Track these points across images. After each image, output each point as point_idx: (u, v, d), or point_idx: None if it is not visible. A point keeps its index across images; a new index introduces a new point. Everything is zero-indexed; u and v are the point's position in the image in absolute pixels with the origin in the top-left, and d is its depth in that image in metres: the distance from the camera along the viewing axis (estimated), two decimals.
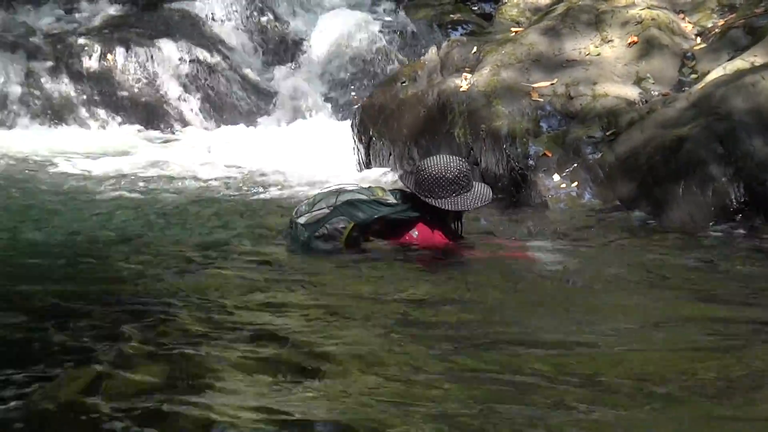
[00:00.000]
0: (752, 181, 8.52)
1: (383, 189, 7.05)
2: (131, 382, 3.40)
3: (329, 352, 3.90)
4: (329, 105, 16.20)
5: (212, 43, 16.89)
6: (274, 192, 10.66)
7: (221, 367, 3.64)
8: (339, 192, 6.87)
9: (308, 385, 3.46)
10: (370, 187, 7.09)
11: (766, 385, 3.64)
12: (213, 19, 17.33)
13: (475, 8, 17.22)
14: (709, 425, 3.17)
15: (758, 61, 9.62)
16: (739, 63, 9.72)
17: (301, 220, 6.83)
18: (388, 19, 17.46)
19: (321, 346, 3.99)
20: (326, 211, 6.76)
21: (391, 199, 6.87)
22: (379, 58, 16.61)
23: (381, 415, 3.11)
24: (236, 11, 17.47)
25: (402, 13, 17.54)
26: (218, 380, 3.48)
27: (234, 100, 16.19)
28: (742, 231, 8.21)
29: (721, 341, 4.39)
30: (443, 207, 6.93)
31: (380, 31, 16.93)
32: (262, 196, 10.38)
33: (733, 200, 8.51)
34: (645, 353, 4.20)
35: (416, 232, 6.89)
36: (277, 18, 17.81)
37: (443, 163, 7.02)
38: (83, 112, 15.71)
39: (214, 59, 16.51)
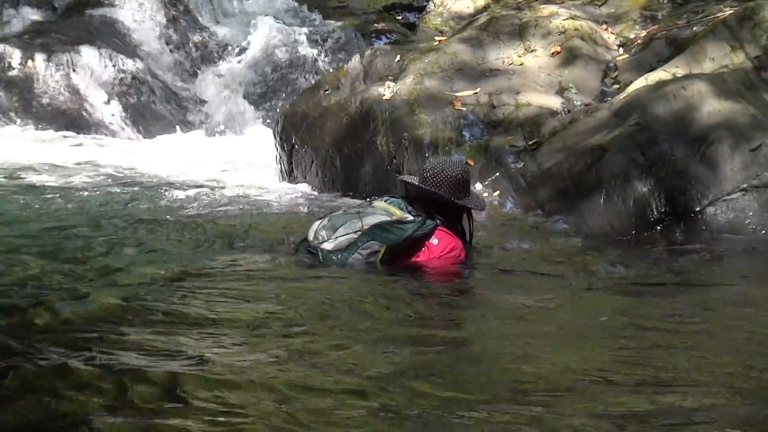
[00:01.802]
0: (673, 190, 8.56)
1: (389, 203, 6.86)
2: None
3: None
4: (254, 113, 16.10)
5: (134, 50, 16.70)
6: (197, 200, 10.50)
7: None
8: (360, 214, 6.70)
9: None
10: (374, 203, 6.91)
11: (674, 389, 3.61)
12: (135, 26, 17.12)
13: (399, 17, 17.23)
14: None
15: (680, 72, 9.68)
16: (661, 74, 9.77)
17: (327, 246, 6.60)
18: (312, 27, 17.40)
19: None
20: (354, 236, 6.57)
21: (408, 215, 6.71)
22: (304, 66, 16.55)
23: None
24: (158, 18, 17.29)
25: (327, 22, 17.49)
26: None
27: (157, 108, 16.01)
28: (662, 240, 8.23)
29: (632, 349, 4.36)
30: (469, 206, 7.03)
31: (305, 39, 16.86)
32: (184, 204, 10.19)
33: (654, 210, 8.54)
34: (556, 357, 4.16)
35: (436, 240, 6.75)
36: (200, 26, 17.67)
37: (457, 163, 7.18)
38: (2, 119, 15.43)
39: (137, 66, 16.31)
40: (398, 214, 6.70)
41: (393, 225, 6.63)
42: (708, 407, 3.35)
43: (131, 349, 3.92)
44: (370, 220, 6.61)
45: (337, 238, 6.61)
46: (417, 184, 6.93)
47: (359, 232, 6.57)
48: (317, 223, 6.82)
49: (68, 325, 4.45)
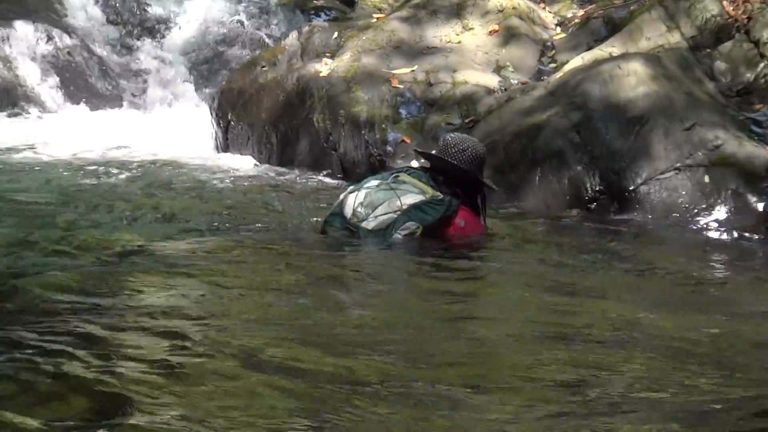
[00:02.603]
0: (607, 169, 8.60)
1: (416, 177, 6.73)
2: None
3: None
4: (192, 88, 15.96)
5: (71, 24, 16.47)
6: (133, 174, 10.37)
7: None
8: (396, 191, 6.55)
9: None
10: (400, 176, 6.74)
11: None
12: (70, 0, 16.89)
13: None
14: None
15: (616, 51, 9.71)
16: (598, 53, 9.80)
17: (368, 225, 6.49)
18: (251, 3, 17.25)
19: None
20: (393, 215, 6.47)
21: (438, 194, 6.62)
22: (242, 42, 16.42)
23: None
24: None
25: None
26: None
27: (94, 83, 15.80)
28: (596, 219, 8.27)
29: (557, 334, 4.36)
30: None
31: (243, 15, 16.74)
32: (120, 177, 10.06)
33: (589, 188, 8.58)
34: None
35: (462, 222, 6.72)
36: (137, 1, 17.47)
37: (478, 141, 7.27)
38: None
39: (73, 41, 16.07)
40: (430, 192, 6.61)
41: (429, 205, 6.56)
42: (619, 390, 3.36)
43: (64, 334, 3.84)
44: (408, 200, 6.51)
45: (377, 217, 6.50)
46: (447, 159, 6.84)
47: (398, 212, 6.49)
48: (351, 197, 6.65)
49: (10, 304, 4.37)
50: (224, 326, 4.05)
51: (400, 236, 6.46)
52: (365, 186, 6.69)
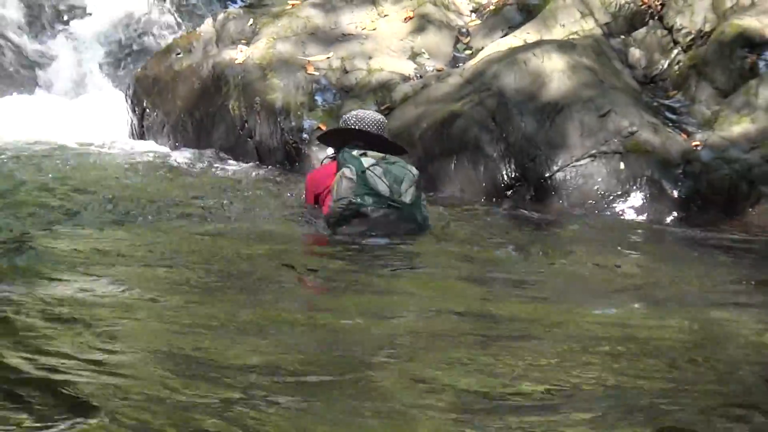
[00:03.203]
0: (523, 157, 8.63)
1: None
2: None
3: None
4: (107, 74, 15.75)
5: None
6: (45, 160, 10.20)
7: None
8: (397, 163, 6.66)
9: None
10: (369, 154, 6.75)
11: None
12: None
13: None
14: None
15: (531, 38, 9.73)
16: (512, 40, 9.82)
17: (406, 199, 6.55)
18: None
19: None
20: (415, 187, 6.62)
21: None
22: (158, 27, 16.23)
23: None
24: None
25: None
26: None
27: (6, 67, 15.53)
28: (512, 205, 8.29)
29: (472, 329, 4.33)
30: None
31: (158, 1, 16.54)
32: (31, 163, 9.88)
33: (504, 175, 8.60)
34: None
35: None
36: None
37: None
38: None
39: None
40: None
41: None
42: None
43: None
44: (414, 172, 6.69)
45: (407, 190, 6.56)
46: (385, 137, 7.06)
47: (415, 182, 6.64)
48: (376, 173, 6.56)
49: None
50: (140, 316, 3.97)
51: (426, 210, 6.83)
52: (371, 166, 6.59)
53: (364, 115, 7.18)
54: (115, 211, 7.42)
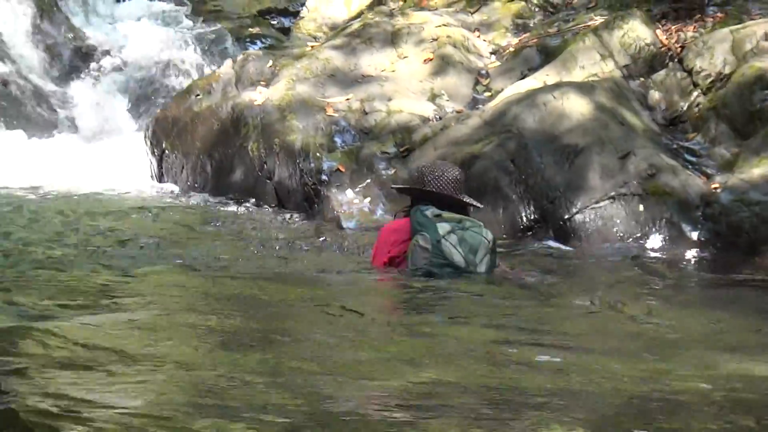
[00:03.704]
0: (542, 198, 8.62)
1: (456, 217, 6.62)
2: None
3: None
4: (127, 116, 15.81)
5: (6, 52, 16.26)
6: (65, 201, 10.23)
7: None
8: (471, 229, 6.46)
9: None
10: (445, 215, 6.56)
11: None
12: (2, 26, 16.67)
13: (275, 22, 17.05)
14: None
15: (550, 80, 9.74)
16: (532, 81, 9.83)
17: (481, 269, 6.43)
18: (187, 31, 17.15)
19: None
20: (489, 254, 6.49)
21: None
22: (178, 70, 16.31)
23: None
24: (28, 19, 16.86)
25: (202, 26, 17.26)
26: None
27: (29, 111, 15.59)
28: (531, 246, 8.26)
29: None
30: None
31: (179, 43, 16.62)
32: (54, 205, 9.91)
33: (524, 217, 8.58)
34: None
35: None
36: (72, 28, 17.29)
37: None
38: None
39: (6, 68, 15.88)
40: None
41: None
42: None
43: None
44: (488, 235, 6.52)
45: (481, 260, 6.43)
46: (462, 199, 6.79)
47: (489, 249, 6.50)
48: (448, 247, 6.39)
49: None
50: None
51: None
52: (446, 234, 6.40)
53: (442, 173, 6.80)
54: (135, 252, 7.43)
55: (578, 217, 8.47)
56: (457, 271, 6.35)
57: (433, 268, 6.34)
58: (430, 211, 6.46)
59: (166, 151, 11.37)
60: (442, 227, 6.40)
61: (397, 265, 6.66)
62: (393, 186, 7.98)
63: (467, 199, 6.75)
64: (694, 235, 8.29)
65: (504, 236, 8.47)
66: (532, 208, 8.61)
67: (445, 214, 6.48)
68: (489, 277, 6.49)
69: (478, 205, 6.92)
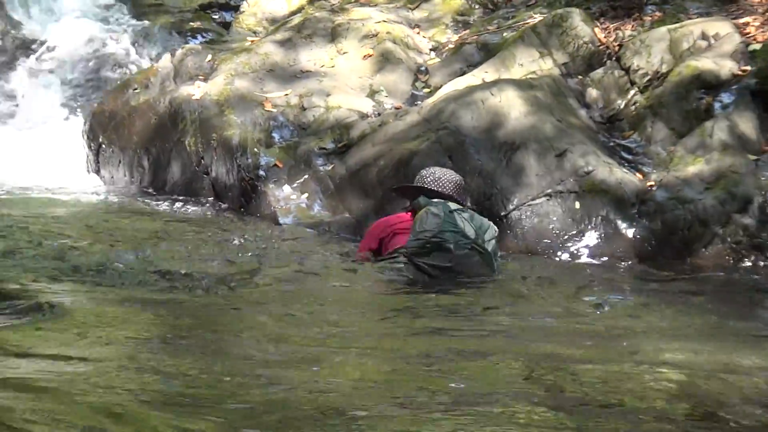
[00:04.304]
0: (479, 195, 8.60)
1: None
2: None
3: None
4: (67, 111, 15.65)
5: None
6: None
7: None
8: (485, 218, 6.94)
9: None
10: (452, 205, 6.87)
11: None
12: None
13: (216, 16, 16.88)
14: None
15: (489, 77, 9.73)
16: (471, 78, 9.81)
17: (489, 247, 6.68)
18: (127, 25, 16.98)
19: None
20: (494, 241, 6.78)
21: None
22: (116, 64, 16.15)
23: None
24: None
25: (141, 20, 17.10)
26: None
27: None
28: None
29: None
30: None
31: (118, 37, 16.46)
32: None
33: None
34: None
35: None
36: (11, 21, 17.09)
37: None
38: None
39: None
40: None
41: None
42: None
43: None
44: (495, 228, 6.89)
45: (488, 240, 6.70)
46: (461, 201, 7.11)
47: (495, 237, 6.82)
48: (464, 216, 6.71)
49: None
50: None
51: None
52: (456, 209, 6.74)
53: (442, 175, 7.18)
54: (67, 248, 7.30)
55: (515, 214, 8.48)
56: (466, 240, 6.56)
57: (443, 232, 6.42)
58: (437, 200, 6.81)
59: (103, 145, 11.26)
60: (453, 205, 6.74)
61: (387, 243, 6.86)
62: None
63: (469, 206, 7.09)
64: (630, 233, 8.31)
65: None
66: (469, 204, 8.59)
67: (453, 205, 6.77)
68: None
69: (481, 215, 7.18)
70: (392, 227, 6.98)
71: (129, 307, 5.08)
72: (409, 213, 6.92)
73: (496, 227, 6.90)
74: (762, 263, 7.95)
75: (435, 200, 6.76)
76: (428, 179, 7.07)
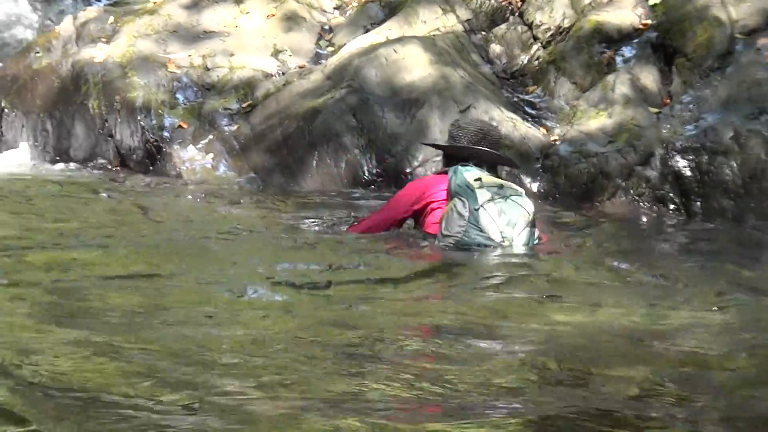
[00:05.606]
0: (384, 152, 8.63)
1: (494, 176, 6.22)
2: None
3: None
4: None
5: None
6: None
7: None
8: (511, 197, 5.96)
9: None
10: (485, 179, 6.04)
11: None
12: None
13: None
14: None
15: (392, 34, 9.75)
16: (375, 36, 9.83)
17: (519, 242, 5.94)
18: None
19: None
20: (528, 227, 5.99)
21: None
22: (17, 27, 15.91)
23: None
24: None
25: None
26: None
27: None
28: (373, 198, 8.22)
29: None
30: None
31: (19, 0, 16.21)
32: None
33: (366, 171, 8.58)
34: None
35: None
36: None
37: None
38: None
39: None
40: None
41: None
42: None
43: None
44: (529, 206, 6.04)
45: (519, 234, 5.93)
46: (499, 154, 6.51)
47: (529, 223, 6.01)
48: (490, 213, 5.93)
49: None
50: None
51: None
52: (486, 202, 5.94)
53: (468, 125, 6.51)
54: None
55: (420, 171, 8.50)
56: (491, 244, 5.93)
57: (467, 237, 5.89)
58: (472, 173, 6.06)
59: (6, 110, 11.09)
60: (482, 194, 5.98)
61: (424, 217, 6.28)
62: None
63: (500, 155, 6.53)
64: (534, 187, 8.38)
65: (345, 190, 8.49)
66: (374, 161, 8.62)
67: (485, 178, 6.04)
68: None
69: (515, 163, 7.04)
70: (429, 197, 6.26)
71: None
72: (445, 177, 6.19)
73: (531, 207, 6.08)
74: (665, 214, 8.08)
75: (465, 176, 6.04)
76: (453, 131, 6.51)
